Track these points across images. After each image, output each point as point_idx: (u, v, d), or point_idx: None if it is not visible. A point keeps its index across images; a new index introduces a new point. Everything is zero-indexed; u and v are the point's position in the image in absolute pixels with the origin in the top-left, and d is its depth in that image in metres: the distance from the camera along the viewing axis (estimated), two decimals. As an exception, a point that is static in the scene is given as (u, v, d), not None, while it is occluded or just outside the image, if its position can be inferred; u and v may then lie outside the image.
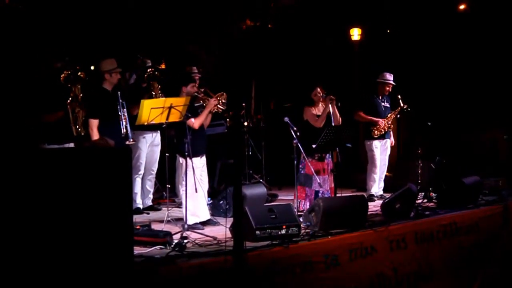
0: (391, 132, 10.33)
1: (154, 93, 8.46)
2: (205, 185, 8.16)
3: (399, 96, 10.12)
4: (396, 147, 10.88)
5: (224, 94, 8.10)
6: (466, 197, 8.83)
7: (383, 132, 10.08)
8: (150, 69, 8.66)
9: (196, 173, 7.66)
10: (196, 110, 8.17)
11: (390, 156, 10.38)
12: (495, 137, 11.59)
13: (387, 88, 10.20)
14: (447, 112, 12.25)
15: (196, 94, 8.16)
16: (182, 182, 7.79)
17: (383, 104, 10.23)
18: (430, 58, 12.58)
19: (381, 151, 10.19)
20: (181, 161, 7.77)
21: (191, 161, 7.54)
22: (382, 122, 10.05)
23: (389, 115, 10.14)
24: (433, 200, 9.16)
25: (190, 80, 8.31)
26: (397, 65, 11.60)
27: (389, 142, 10.25)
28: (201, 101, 8.26)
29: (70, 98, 7.29)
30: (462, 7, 12.63)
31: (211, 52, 12.23)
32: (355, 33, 13.18)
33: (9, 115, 7.31)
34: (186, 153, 7.48)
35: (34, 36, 9.11)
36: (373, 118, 10.12)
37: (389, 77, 10.18)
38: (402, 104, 10.07)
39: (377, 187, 10.16)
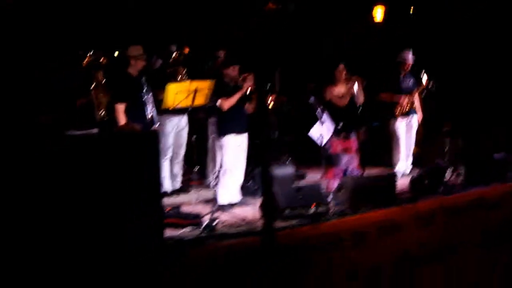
0: (419, 107, 10.28)
1: (179, 78, 8.51)
2: (243, 165, 8.18)
3: (423, 73, 10.05)
4: (423, 123, 10.80)
5: (251, 74, 8.08)
6: (494, 172, 8.78)
7: (405, 111, 10.05)
8: (175, 54, 8.71)
9: (233, 151, 7.69)
10: (232, 91, 8.12)
11: (418, 131, 10.35)
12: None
13: (406, 67, 10.14)
14: (476, 88, 12.11)
15: (237, 77, 8.15)
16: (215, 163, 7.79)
17: (405, 82, 10.17)
18: (457, 35, 12.44)
19: (407, 128, 10.16)
20: (222, 142, 7.80)
21: (220, 141, 7.55)
22: (403, 99, 10.01)
23: (412, 93, 10.10)
24: (461, 176, 9.13)
25: (231, 63, 8.26)
26: (421, 43, 11.49)
27: (415, 117, 10.19)
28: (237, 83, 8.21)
29: (93, 84, 7.39)
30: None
31: (236, 33, 12.23)
32: (379, 12, 13.12)
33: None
34: (212, 135, 7.53)
35: (60, 24, 9.21)
36: (394, 96, 10.10)
37: (407, 55, 10.12)
38: (425, 81, 9.99)
39: (403, 165, 10.13)
